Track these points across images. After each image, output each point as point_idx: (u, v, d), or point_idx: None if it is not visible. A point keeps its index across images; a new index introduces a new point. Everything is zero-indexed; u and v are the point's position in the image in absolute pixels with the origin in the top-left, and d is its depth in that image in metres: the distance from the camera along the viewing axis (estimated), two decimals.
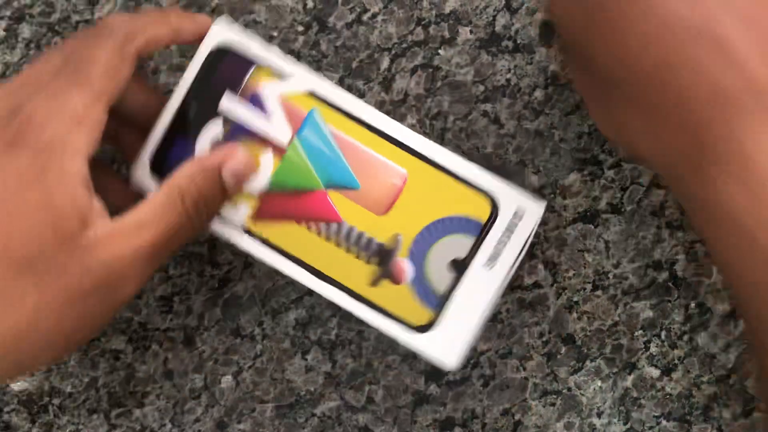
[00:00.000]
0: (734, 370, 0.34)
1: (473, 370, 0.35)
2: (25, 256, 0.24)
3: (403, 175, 0.29)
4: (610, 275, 0.35)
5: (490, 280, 0.29)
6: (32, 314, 0.25)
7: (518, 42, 0.35)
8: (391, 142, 0.30)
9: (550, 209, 0.35)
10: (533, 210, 0.29)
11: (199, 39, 0.30)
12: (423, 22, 0.35)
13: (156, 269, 0.28)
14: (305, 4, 0.36)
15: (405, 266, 0.29)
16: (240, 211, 0.30)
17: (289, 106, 0.30)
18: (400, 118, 0.35)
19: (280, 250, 0.30)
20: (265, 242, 0.30)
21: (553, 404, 0.34)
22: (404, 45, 0.35)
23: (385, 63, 0.35)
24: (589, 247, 0.35)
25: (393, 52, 0.35)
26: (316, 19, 0.36)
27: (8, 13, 0.37)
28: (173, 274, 0.36)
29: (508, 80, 0.35)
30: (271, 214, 0.30)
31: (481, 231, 0.29)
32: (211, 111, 0.30)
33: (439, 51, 0.35)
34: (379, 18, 0.36)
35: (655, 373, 0.34)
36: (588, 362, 0.34)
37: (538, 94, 0.35)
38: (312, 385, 0.35)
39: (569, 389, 0.34)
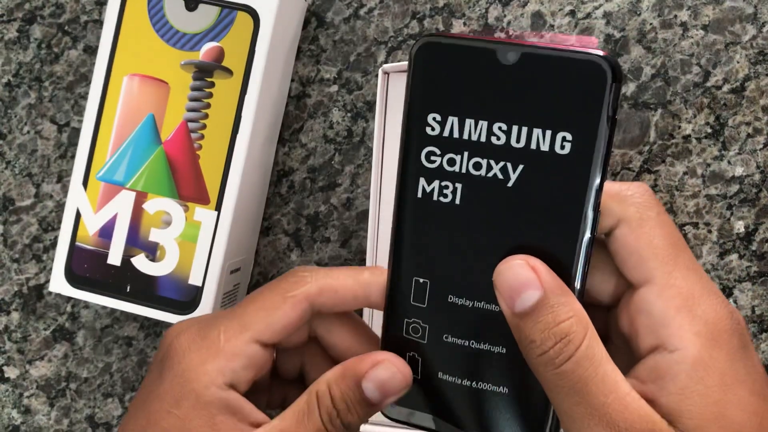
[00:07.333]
0: None
1: None
2: None
3: None
4: None
5: None
6: None
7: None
8: None
9: None
10: None
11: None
12: (418, 16, 0.36)
13: None
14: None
15: None
16: None
17: None
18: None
19: None
20: None
21: None
22: (400, 38, 0.37)
23: (382, 56, 0.37)
24: None
25: (389, 45, 0.37)
26: (315, 14, 0.37)
27: (20, 14, 0.39)
28: None
29: None
30: None
31: None
32: None
33: None
34: (376, 12, 0.37)
35: None
36: None
37: None
38: None
39: None
